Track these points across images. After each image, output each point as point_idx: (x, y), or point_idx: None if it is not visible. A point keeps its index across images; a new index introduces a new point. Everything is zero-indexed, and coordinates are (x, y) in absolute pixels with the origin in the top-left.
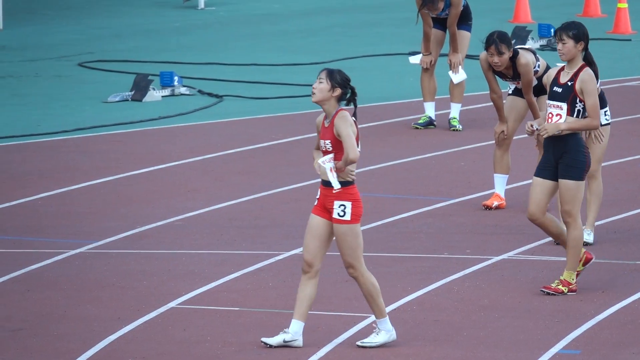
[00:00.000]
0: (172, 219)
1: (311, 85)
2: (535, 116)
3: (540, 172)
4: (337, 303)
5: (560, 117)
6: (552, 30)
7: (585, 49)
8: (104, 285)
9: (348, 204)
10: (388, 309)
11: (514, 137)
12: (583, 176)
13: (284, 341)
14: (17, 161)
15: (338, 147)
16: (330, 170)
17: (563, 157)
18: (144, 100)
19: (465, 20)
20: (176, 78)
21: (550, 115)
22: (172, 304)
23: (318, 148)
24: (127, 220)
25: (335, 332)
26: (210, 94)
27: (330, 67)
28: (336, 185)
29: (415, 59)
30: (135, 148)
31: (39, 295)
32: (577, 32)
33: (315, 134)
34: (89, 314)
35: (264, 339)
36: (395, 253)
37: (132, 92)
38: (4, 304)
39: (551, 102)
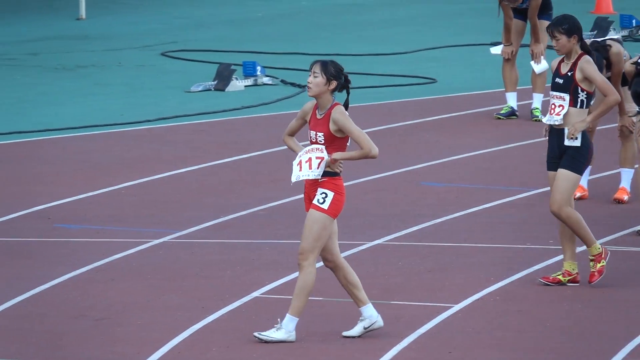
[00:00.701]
0: (255, 209)
1: (389, 76)
2: (622, 111)
3: (552, 166)
4: (420, 293)
5: (563, 108)
6: (634, 20)
7: (580, 40)
8: (188, 275)
9: (330, 194)
10: (471, 298)
11: (597, 128)
12: (582, 170)
13: (364, 328)
14: (100, 150)
15: (331, 141)
16: (310, 160)
17: (568, 150)
18: (226, 89)
19: (546, 10)
20: (259, 68)
21: (553, 106)
22: (256, 294)
23: (292, 134)
24: (210, 209)
25: (419, 322)
26: (292, 84)
27: (323, 58)
28: (317, 175)
29: (496, 50)
30: (218, 137)
31: (122, 284)
32: (569, 26)
33: (294, 120)
34: (173, 303)
35: (345, 333)
36: (477, 243)
37: (215, 82)
38: (88, 293)
39: (554, 93)
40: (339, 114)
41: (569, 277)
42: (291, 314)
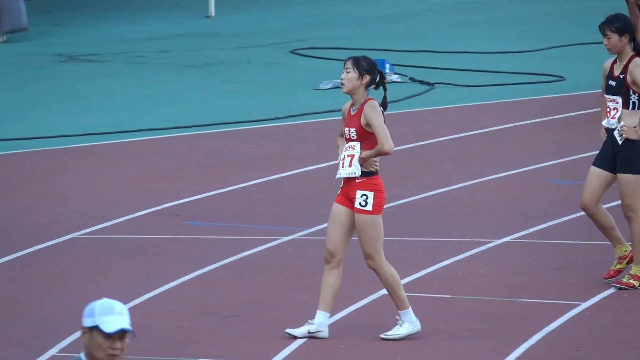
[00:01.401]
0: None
1: (517, 74)
2: None
3: (599, 162)
4: (548, 290)
5: (617, 111)
6: None
7: (633, 40)
8: (316, 272)
9: (370, 194)
10: (599, 296)
11: None
12: None
13: (309, 332)
14: (229, 148)
15: (364, 136)
16: (344, 158)
17: (621, 151)
18: None
19: None
20: (387, 65)
21: (608, 109)
22: (384, 291)
23: (342, 135)
24: None
25: (546, 320)
26: (421, 82)
27: (356, 54)
28: (355, 173)
29: None
30: None
31: (251, 281)
32: (621, 25)
33: (341, 121)
34: (301, 300)
35: (288, 330)
36: (606, 241)
37: None
38: (216, 290)
39: (608, 97)
40: (370, 107)
41: None
42: (401, 309)
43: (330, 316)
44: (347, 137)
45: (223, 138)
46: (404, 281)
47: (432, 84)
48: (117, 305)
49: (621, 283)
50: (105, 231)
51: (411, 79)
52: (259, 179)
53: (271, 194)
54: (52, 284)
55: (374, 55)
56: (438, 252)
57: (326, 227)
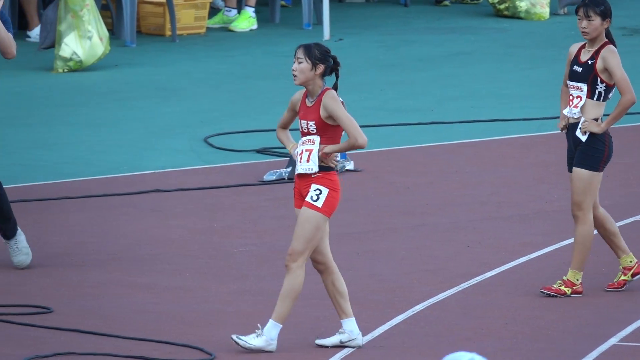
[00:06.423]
0: None
1: None
2: None
3: (571, 167)
4: None
5: (580, 99)
6: None
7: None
8: None
9: (325, 190)
10: None
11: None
12: (599, 167)
13: (341, 342)
14: None
15: (324, 130)
16: (302, 153)
17: (580, 145)
18: None
19: None
20: None
21: (571, 98)
22: None
23: (284, 127)
24: None
25: None
26: None
27: (305, 42)
28: (312, 169)
29: None
30: None
31: None
32: (605, 8)
33: (285, 111)
34: None
35: (318, 341)
36: None
37: None
38: None
39: (571, 83)
40: (330, 99)
41: (572, 288)
42: (274, 320)
43: None
44: (305, 130)
45: None
46: None
47: None
48: None
49: (551, 289)
50: None
51: None
52: None
53: None
54: None
55: None
56: None
57: None
